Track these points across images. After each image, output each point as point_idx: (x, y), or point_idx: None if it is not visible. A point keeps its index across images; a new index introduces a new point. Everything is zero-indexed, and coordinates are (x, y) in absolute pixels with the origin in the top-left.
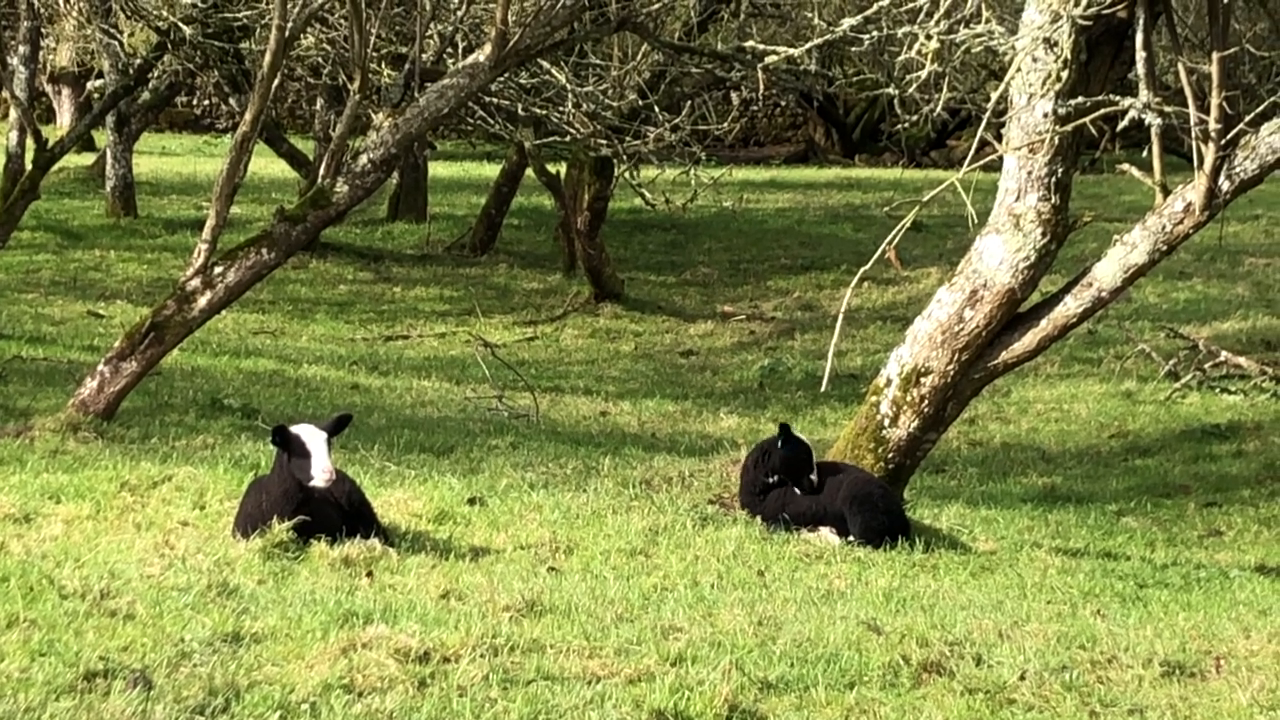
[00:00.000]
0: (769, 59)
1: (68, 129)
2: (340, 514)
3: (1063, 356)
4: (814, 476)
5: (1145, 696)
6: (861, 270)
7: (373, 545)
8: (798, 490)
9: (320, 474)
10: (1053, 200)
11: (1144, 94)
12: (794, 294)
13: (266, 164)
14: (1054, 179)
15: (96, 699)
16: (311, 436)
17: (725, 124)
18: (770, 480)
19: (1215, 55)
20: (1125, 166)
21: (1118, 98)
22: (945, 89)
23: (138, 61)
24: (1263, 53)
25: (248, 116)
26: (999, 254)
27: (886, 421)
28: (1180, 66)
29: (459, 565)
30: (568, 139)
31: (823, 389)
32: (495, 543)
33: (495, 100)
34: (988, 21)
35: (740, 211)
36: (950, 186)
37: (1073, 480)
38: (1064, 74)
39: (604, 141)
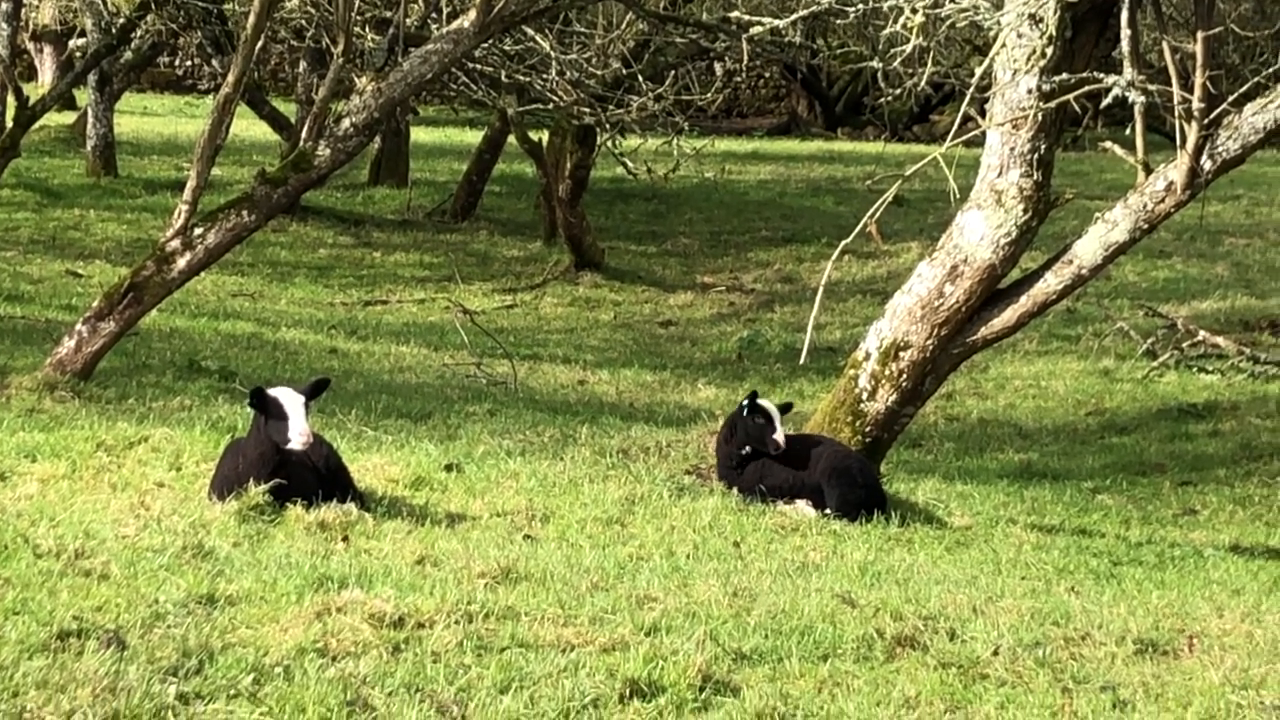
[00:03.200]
0: (753, 30)
1: (49, 87)
2: (317, 478)
3: (1041, 333)
4: (778, 437)
5: (1118, 674)
6: (842, 243)
7: (349, 510)
8: (769, 452)
9: (297, 436)
10: (1035, 177)
11: (1128, 72)
12: (774, 266)
13: (248, 126)
14: (1036, 155)
15: (70, 658)
16: (289, 399)
17: (708, 94)
18: (744, 452)
19: (1200, 34)
20: (1108, 144)
21: (1102, 75)
22: (929, 63)
23: (120, 20)
24: (1247, 32)
25: (230, 78)
26: (980, 230)
27: (865, 395)
28: (1164, 45)
29: (435, 531)
30: (551, 107)
31: (801, 361)
32: (471, 509)
33: (479, 67)
34: None
35: (722, 183)
36: (933, 161)
37: (1049, 457)
38: (1048, 50)
39: (587, 110)
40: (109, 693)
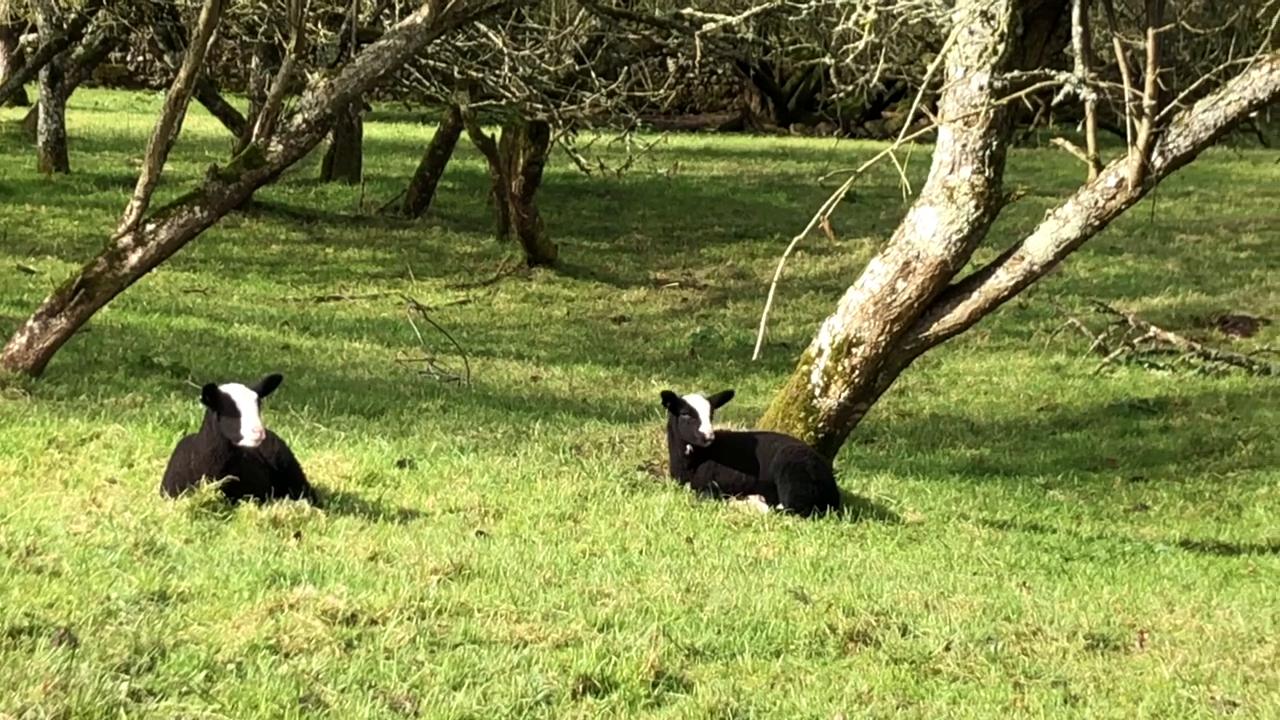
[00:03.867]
0: (706, 26)
1: (0, 83)
2: (269, 474)
3: (993, 329)
4: (704, 430)
5: (1069, 669)
6: (795, 239)
7: (301, 506)
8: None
9: (250, 433)
10: (986, 173)
11: (1079, 69)
12: (727, 262)
13: (200, 122)
14: (988, 152)
15: (21, 656)
16: (241, 396)
17: (661, 91)
18: (686, 451)
19: (1150, 31)
20: (1059, 141)
21: (1053, 72)
22: (881, 60)
23: (72, 16)
24: (1197, 29)
25: (182, 74)
26: (932, 226)
27: (817, 391)
28: (1116, 42)
29: (387, 527)
30: (504, 103)
31: (754, 357)
32: (424, 506)
33: (431, 62)
34: None
35: (675, 179)
36: (885, 158)
37: (1001, 453)
38: (1000, 47)
39: (540, 106)
40: (61, 690)
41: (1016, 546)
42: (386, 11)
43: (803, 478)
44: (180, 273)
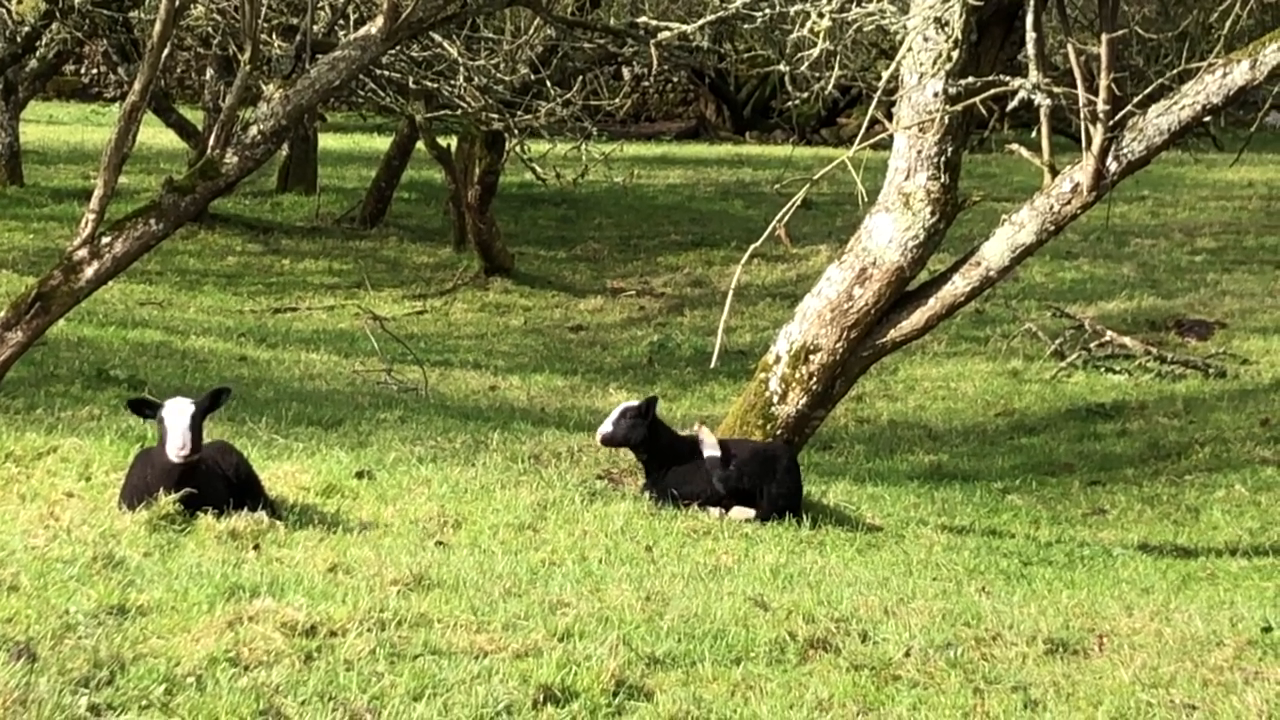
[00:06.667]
0: (661, 34)
1: None
2: (227, 486)
3: (950, 335)
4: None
5: (1029, 674)
6: (752, 247)
7: (260, 518)
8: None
9: (175, 452)
10: (942, 179)
11: (1033, 75)
12: (684, 270)
13: (155, 134)
14: (944, 158)
15: None
16: (171, 413)
17: (617, 99)
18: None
19: (1104, 37)
20: (1014, 147)
21: (1007, 78)
22: (836, 67)
23: (25, 29)
24: (1150, 34)
25: (137, 86)
26: (888, 232)
27: (775, 398)
28: (1070, 48)
29: (346, 539)
30: (459, 113)
31: (712, 365)
32: (383, 516)
33: (386, 73)
34: (879, 0)
35: (631, 187)
36: (840, 164)
37: (959, 458)
38: (954, 54)
39: (495, 115)
40: (19, 705)
41: (975, 552)
42: (341, 22)
43: (798, 474)
44: (136, 285)
